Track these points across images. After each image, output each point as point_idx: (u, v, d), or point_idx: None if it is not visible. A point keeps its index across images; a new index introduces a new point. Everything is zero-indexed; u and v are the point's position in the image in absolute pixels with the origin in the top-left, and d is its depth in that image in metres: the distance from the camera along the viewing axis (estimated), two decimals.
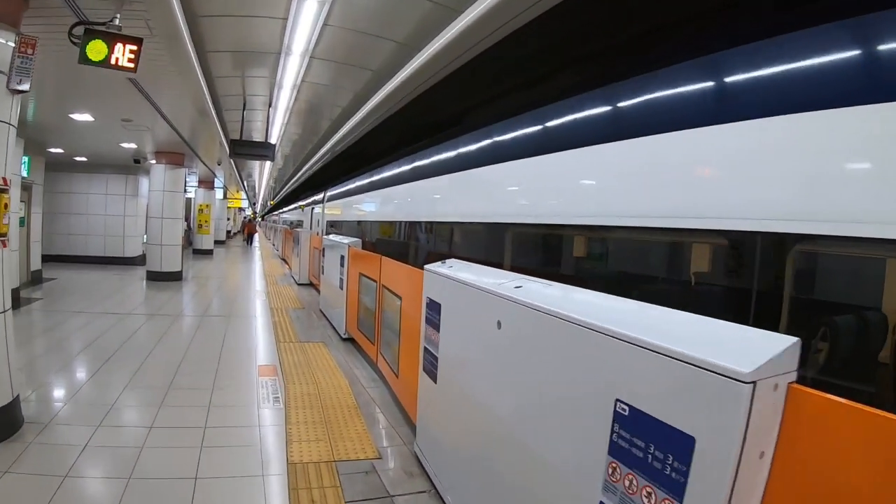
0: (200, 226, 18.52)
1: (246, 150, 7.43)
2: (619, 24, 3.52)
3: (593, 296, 1.86)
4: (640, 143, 2.01)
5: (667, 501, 1.29)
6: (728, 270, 1.80)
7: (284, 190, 27.10)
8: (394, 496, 2.96)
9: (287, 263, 16.98)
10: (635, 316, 1.56)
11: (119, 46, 3.23)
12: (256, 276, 14.00)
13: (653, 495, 1.33)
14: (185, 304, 8.99)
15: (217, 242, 21.95)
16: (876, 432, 1.07)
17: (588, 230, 2.37)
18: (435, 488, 2.98)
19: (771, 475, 1.25)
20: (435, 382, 2.96)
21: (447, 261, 3.22)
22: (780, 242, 1.48)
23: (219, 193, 22.33)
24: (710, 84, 1.86)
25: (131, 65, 3.25)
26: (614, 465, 1.46)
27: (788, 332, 1.41)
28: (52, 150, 10.64)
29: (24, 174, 9.27)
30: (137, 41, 3.26)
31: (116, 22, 3.29)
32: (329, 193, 11.16)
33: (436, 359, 2.94)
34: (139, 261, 13.45)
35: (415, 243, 5.10)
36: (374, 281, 5.29)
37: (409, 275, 4.08)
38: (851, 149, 1.34)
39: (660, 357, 1.31)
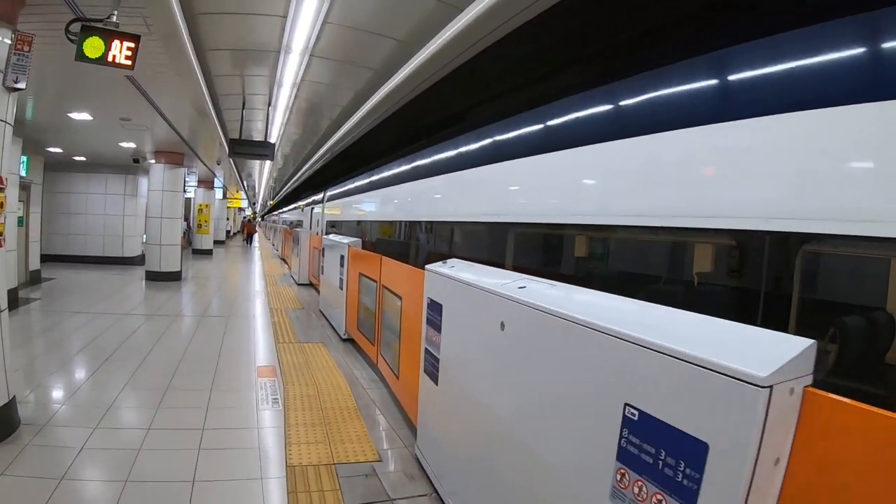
0: (200, 226, 18.48)
1: (245, 149, 7.39)
2: (622, 22, 3.48)
3: (599, 296, 1.82)
4: (646, 140, 1.98)
5: None
6: (737, 270, 1.77)
7: (284, 190, 27.07)
8: (394, 500, 2.91)
9: (287, 263, 16.94)
10: (644, 317, 1.51)
11: (116, 43, 3.18)
12: (256, 276, 13.96)
13: (663, 502, 1.29)
14: (184, 304, 8.95)
15: (217, 242, 21.92)
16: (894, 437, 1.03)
17: (592, 230, 2.33)
18: (436, 492, 2.94)
19: (785, 482, 1.21)
20: (436, 384, 2.92)
21: (448, 261, 3.18)
22: (790, 242, 1.45)
23: (218, 193, 22.30)
24: (722, 80, 1.82)
25: (128, 62, 3.20)
26: (623, 471, 1.41)
27: (797, 333, 1.38)
28: (51, 149, 10.60)
29: (23, 174, 9.22)
30: (135, 38, 3.22)
31: (114, 19, 3.25)
32: (329, 193, 11.13)
33: (437, 360, 2.90)
34: (138, 261, 13.41)
35: (415, 243, 5.06)
36: (374, 281, 5.25)
37: (409, 275, 4.04)
38: (859, 147, 1.32)
39: (672, 360, 1.27)
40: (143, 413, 3.87)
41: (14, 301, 7.67)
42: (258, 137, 8.94)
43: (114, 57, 3.17)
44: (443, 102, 5.88)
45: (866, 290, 1.52)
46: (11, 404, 3.45)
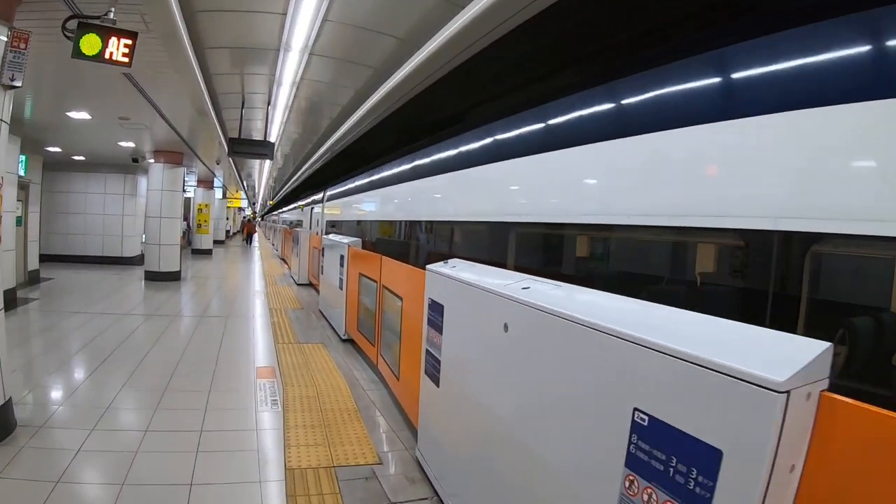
0: (199, 225, 18.45)
1: (245, 148, 7.35)
2: (625, 20, 3.45)
3: (605, 297, 1.77)
4: (651, 138, 1.95)
5: None
6: (745, 270, 1.74)
7: (284, 189, 27.04)
8: (395, 503, 2.88)
9: (286, 263, 16.90)
10: (653, 319, 1.47)
11: (113, 40, 3.14)
12: (255, 276, 13.91)
13: None
14: (183, 304, 8.90)
15: (216, 242, 21.88)
16: None
17: (597, 229, 2.29)
18: (437, 495, 2.90)
19: (800, 489, 1.17)
20: (437, 386, 2.88)
21: (450, 261, 3.14)
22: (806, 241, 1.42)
23: (218, 193, 22.26)
24: (731, 77, 1.79)
25: (126, 59, 3.16)
26: (631, 477, 1.37)
27: (806, 335, 1.36)
28: (50, 148, 10.56)
29: (22, 173, 9.18)
30: (132, 35, 3.18)
31: (111, 16, 3.21)
32: (329, 193, 11.09)
33: (438, 362, 2.86)
34: (137, 261, 13.37)
35: (416, 243, 5.02)
36: (375, 281, 5.21)
37: (410, 275, 4.00)
38: (868, 145, 1.30)
39: (683, 364, 1.23)
40: (140, 414, 3.83)
41: (12, 301, 7.63)
42: (258, 136, 8.90)
43: (111, 54, 3.13)
44: (443, 101, 5.85)
45: (878, 291, 1.50)
46: (7, 406, 3.41)
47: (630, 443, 1.36)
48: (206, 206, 18.33)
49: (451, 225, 4.10)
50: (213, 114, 6.85)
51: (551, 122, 2.87)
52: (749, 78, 1.67)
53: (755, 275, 1.69)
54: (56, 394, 4.18)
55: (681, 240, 1.97)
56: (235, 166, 15.09)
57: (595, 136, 2.27)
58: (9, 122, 3.50)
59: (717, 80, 1.82)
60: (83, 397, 4.11)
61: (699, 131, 1.75)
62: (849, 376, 1.27)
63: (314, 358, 5.70)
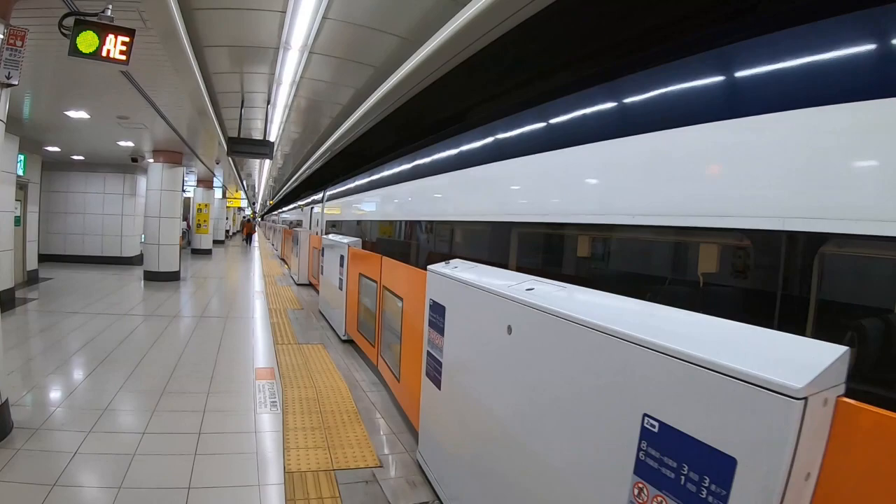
0: (199, 225, 18.40)
1: (244, 148, 7.31)
2: (630, 17, 3.41)
3: (613, 299, 1.73)
4: (658, 137, 1.91)
5: None
6: (754, 271, 1.70)
7: (284, 189, 27.01)
8: None
9: (286, 263, 16.86)
10: (663, 322, 1.43)
11: (111, 38, 3.11)
12: (255, 276, 13.87)
13: None
14: (182, 304, 8.86)
15: (216, 242, 21.84)
16: None
17: (604, 229, 2.25)
18: (439, 499, 2.86)
19: (814, 498, 1.14)
20: (439, 389, 2.84)
21: (451, 261, 3.10)
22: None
23: (218, 193, 22.21)
24: (741, 74, 1.75)
25: (123, 57, 3.13)
26: (641, 485, 1.33)
27: (815, 337, 1.34)
28: (49, 148, 10.53)
29: (20, 173, 9.14)
30: (130, 32, 3.14)
31: (108, 13, 3.17)
32: (328, 193, 11.06)
33: (440, 364, 2.81)
34: (137, 260, 13.33)
35: (416, 243, 4.98)
36: (375, 282, 5.17)
37: (411, 276, 3.96)
38: (876, 144, 1.28)
39: (696, 369, 1.19)
40: (138, 416, 3.79)
41: (11, 301, 7.60)
42: (257, 136, 8.87)
43: (108, 52, 3.09)
44: (444, 100, 5.81)
45: (890, 293, 1.47)
46: (4, 407, 3.37)
47: (639, 449, 1.32)
48: (206, 205, 18.28)
49: (453, 225, 4.07)
50: (212, 113, 6.82)
51: (554, 120, 2.83)
52: (758, 76, 1.65)
53: (764, 276, 1.66)
54: (53, 395, 4.14)
55: (687, 240, 1.94)
56: (235, 166, 15.06)
57: (600, 134, 2.24)
58: (5, 120, 3.46)
59: (727, 77, 1.79)
60: (81, 399, 4.07)
61: (708, 129, 1.72)
62: (859, 380, 1.24)
63: (314, 359, 5.66)
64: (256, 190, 30.68)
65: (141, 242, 13.17)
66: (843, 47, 1.41)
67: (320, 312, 8.55)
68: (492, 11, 3.25)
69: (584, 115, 2.55)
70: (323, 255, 8.61)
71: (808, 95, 1.42)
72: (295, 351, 5.95)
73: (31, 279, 9.84)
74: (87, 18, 3.10)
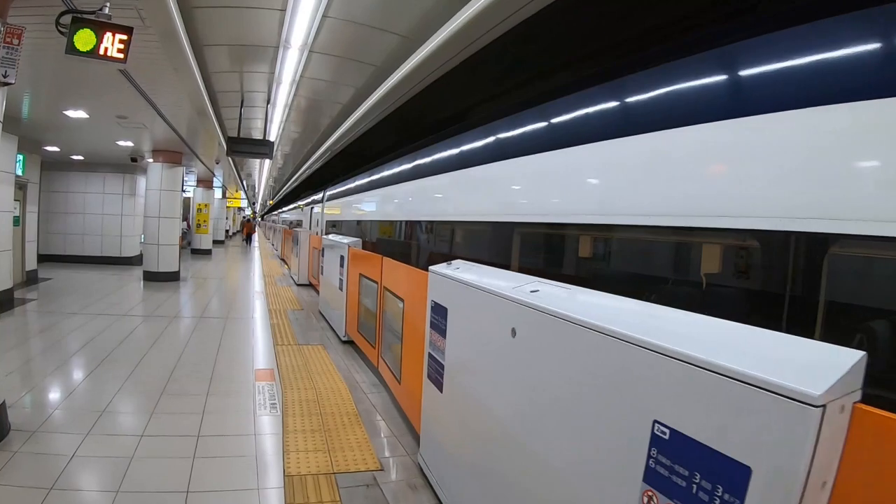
0: (199, 225, 18.37)
1: (244, 148, 7.28)
2: (635, 15, 3.37)
3: (622, 302, 1.69)
4: (662, 136, 1.88)
5: None
6: (764, 273, 1.67)
7: (284, 189, 26.99)
8: None
9: (286, 264, 16.83)
10: (674, 325, 1.39)
11: (108, 36, 3.07)
12: (255, 276, 13.83)
13: None
14: (181, 305, 8.83)
15: (216, 242, 21.80)
16: None
17: (610, 230, 2.21)
18: (440, 502, 2.82)
19: None
20: (440, 391, 2.80)
21: (453, 262, 3.06)
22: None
23: (217, 193, 22.18)
24: (746, 73, 1.72)
25: (121, 55, 3.09)
26: (650, 493, 1.29)
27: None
28: (49, 148, 10.49)
29: (19, 172, 9.10)
30: (127, 30, 3.10)
31: (106, 11, 3.14)
32: (329, 192, 11.03)
33: (442, 366, 2.78)
34: (136, 261, 13.30)
35: (417, 243, 4.94)
36: (375, 282, 5.13)
37: (412, 276, 3.92)
38: (877, 143, 1.27)
39: (709, 374, 1.15)
40: (136, 419, 3.76)
41: (10, 302, 7.57)
42: (257, 135, 8.83)
43: (105, 50, 3.05)
44: (445, 100, 5.78)
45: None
46: (1, 409, 3.34)
47: (649, 457, 1.29)
48: (206, 205, 18.25)
49: (455, 225, 4.03)
50: (211, 113, 6.78)
51: (556, 120, 2.80)
52: (758, 76, 1.65)
53: (772, 277, 1.63)
54: (51, 397, 4.10)
55: (691, 240, 1.91)
56: (235, 166, 15.02)
57: (603, 134, 2.20)
58: (2, 119, 3.42)
59: (727, 76, 1.78)
60: (79, 400, 4.04)
61: (719, 128, 1.69)
62: (873, 384, 1.21)
63: (314, 360, 5.62)
64: (256, 190, 30.66)
65: (140, 242, 13.14)
66: (843, 47, 1.40)
67: (320, 313, 8.51)
68: (492, 10, 3.21)
69: (587, 115, 2.52)
70: (323, 255, 8.58)
71: (809, 95, 1.42)
72: (295, 352, 5.92)
73: (31, 279, 9.81)
74: (85, 16, 3.06)
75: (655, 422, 1.27)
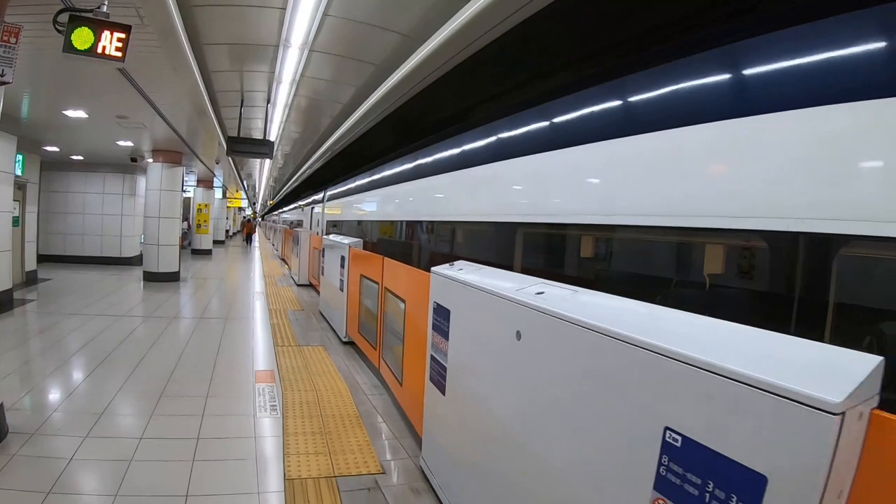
0: (199, 225, 18.34)
1: (244, 147, 7.25)
2: (630, 16, 3.34)
3: (632, 305, 1.65)
4: (666, 135, 1.85)
5: None
6: (775, 274, 1.64)
7: (284, 189, 26.97)
8: None
9: (286, 264, 16.80)
10: (687, 329, 1.36)
11: (106, 34, 3.03)
12: (255, 276, 13.80)
13: None
14: (181, 305, 8.79)
15: (216, 242, 21.77)
16: None
17: (618, 230, 2.18)
18: None
19: None
20: (443, 394, 2.76)
21: (455, 263, 3.03)
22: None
23: (218, 193, 22.15)
24: (746, 72, 1.71)
25: (119, 54, 3.05)
26: (661, 501, 1.26)
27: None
28: (48, 148, 10.46)
29: (19, 173, 9.07)
30: (126, 28, 3.06)
31: (104, 9, 3.10)
32: (329, 193, 11.00)
33: (444, 369, 2.74)
34: (136, 261, 13.27)
35: (419, 244, 4.91)
36: (376, 283, 5.09)
37: (413, 277, 3.88)
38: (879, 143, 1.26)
39: (724, 381, 1.11)
40: (136, 421, 3.72)
41: (9, 302, 7.54)
42: (257, 135, 8.80)
43: (104, 48, 3.02)
44: (446, 99, 5.74)
45: None
46: None
47: (660, 464, 1.25)
48: (206, 205, 18.23)
49: (458, 226, 4.00)
50: (211, 112, 6.75)
51: (559, 119, 2.76)
52: (759, 75, 1.64)
53: (784, 279, 1.60)
54: (50, 399, 4.07)
55: (694, 241, 1.89)
56: (235, 166, 15.00)
57: (607, 133, 2.17)
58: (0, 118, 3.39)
59: (728, 76, 1.78)
60: (78, 402, 4.00)
61: (712, 128, 1.67)
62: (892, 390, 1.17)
63: (314, 361, 5.59)
64: (257, 190, 30.64)
65: (140, 243, 13.11)
66: (843, 46, 1.40)
67: (321, 313, 8.48)
68: (492, 10, 3.19)
69: (588, 114, 2.50)
70: (323, 255, 8.54)
71: (809, 95, 1.42)
72: (295, 353, 5.88)
73: (30, 280, 9.78)
74: (83, 14, 3.03)
75: (667, 428, 1.23)
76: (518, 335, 1.92)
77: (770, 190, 1.50)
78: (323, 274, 8.64)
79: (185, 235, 18.14)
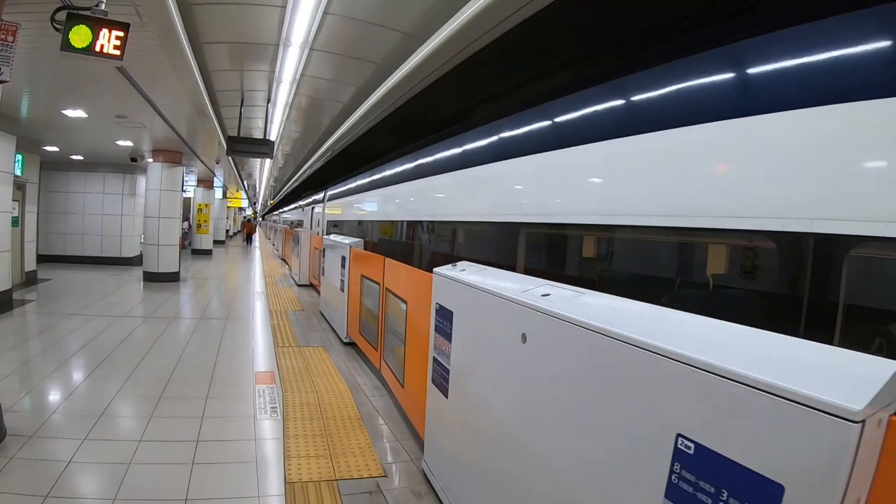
0: (199, 225, 18.31)
1: (244, 147, 7.22)
2: (635, 13, 3.31)
3: (642, 307, 1.62)
4: (665, 135, 1.83)
5: None
6: (785, 276, 1.62)
7: (285, 189, 26.95)
8: None
9: (287, 264, 16.77)
10: (699, 332, 1.32)
11: (104, 32, 3.00)
12: (256, 276, 13.77)
13: None
14: (181, 306, 8.76)
15: (216, 242, 21.73)
16: None
17: (625, 230, 2.15)
18: None
19: None
20: (446, 397, 2.73)
21: (458, 263, 2.99)
22: None
23: (218, 193, 22.12)
24: (746, 72, 1.69)
25: (117, 52, 3.02)
26: None
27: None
28: (48, 148, 10.44)
29: (18, 173, 9.04)
30: (124, 26, 3.03)
31: (102, 6, 3.07)
32: (330, 192, 10.99)
33: (447, 371, 2.70)
34: (136, 261, 13.24)
35: (419, 244, 4.88)
36: (377, 284, 5.06)
37: (415, 278, 3.85)
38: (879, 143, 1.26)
39: (739, 387, 1.08)
40: (135, 423, 3.69)
41: (8, 303, 7.51)
42: (258, 135, 8.78)
43: (101, 47, 2.98)
44: (446, 99, 5.71)
45: None
46: None
47: (672, 472, 1.22)
48: (206, 205, 18.20)
49: (458, 225, 3.97)
50: (211, 112, 6.72)
51: (561, 119, 2.74)
52: (759, 75, 1.64)
53: (793, 281, 1.57)
54: (48, 400, 4.04)
55: (695, 241, 1.87)
56: (235, 166, 14.97)
57: (613, 132, 2.14)
58: None
59: (728, 75, 1.77)
60: (76, 404, 3.97)
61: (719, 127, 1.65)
62: None
63: (315, 362, 5.56)
64: (257, 190, 30.62)
65: (140, 243, 13.08)
66: (843, 46, 1.40)
67: (321, 314, 8.45)
68: (493, 9, 3.17)
69: (591, 114, 2.47)
70: (324, 255, 8.51)
71: (808, 95, 1.42)
72: (296, 354, 5.85)
73: (30, 280, 9.75)
74: (80, 12, 2.99)
75: (679, 435, 1.20)
76: (524, 338, 1.89)
77: (770, 190, 1.49)
78: (323, 274, 8.60)
79: (186, 235, 18.12)
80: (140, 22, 3.59)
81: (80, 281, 10.35)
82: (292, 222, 19.99)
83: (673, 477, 1.21)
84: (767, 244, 1.62)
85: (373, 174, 7.15)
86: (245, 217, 42.02)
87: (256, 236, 33.40)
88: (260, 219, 50.38)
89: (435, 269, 2.99)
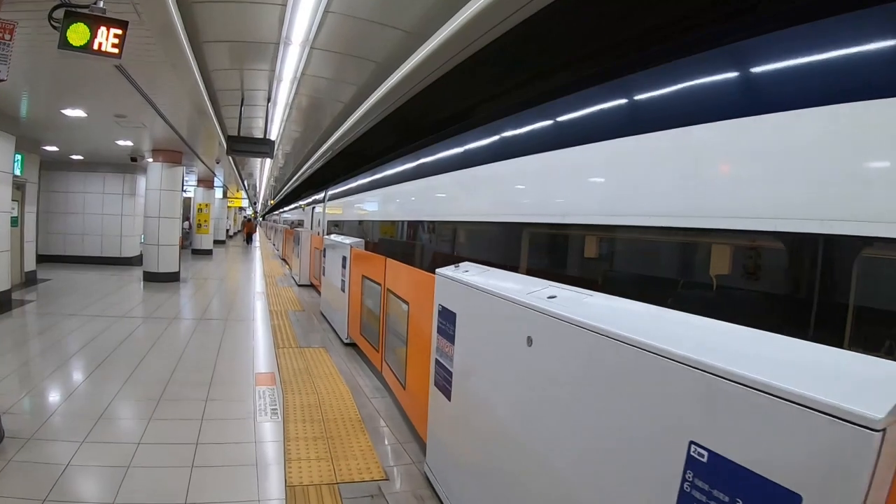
0: (199, 225, 18.29)
1: (244, 147, 7.19)
2: (635, 13, 3.29)
3: (652, 310, 1.58)
4: (665, 135, 1.81)
5: None
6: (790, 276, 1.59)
7: (285, 189, 26.93)
8: None
9: (287, 264, 16.74)
10: (712, 336, 1.29)
11: (102, 30, 2.96)
12: (256, 276, 13.75)
13: None
14: (181, 306, 8.74)
15: (216, 242, 21.71)
16: None
17: (633, 231, 2.12)
18: None
19: None
20: (448, 399, 2.69)
21: (462, 264, 2.96)
22: None
23: (218, 192, 22.10)
24: (747, 72, 1.68)
25: (115, 50, 2.99)
26: None
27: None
28: (47, 147, 10.40)
29: (18, 172, 9.01)
30: (122, 24, 3.00)
31: (101, 4, 3.03)
32: (330, 192, 10.96)
33: (450, 374, 2.67)
34: (136, 261, 13.21)
35: (420, 244, 4.85)
36: (379, 284, 5.03)
37: (417, 279, 3.81)
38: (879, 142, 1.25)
39: (754, 393, 1.05)
40: (134, 425, 3.66)
41: (8, 303, 7.49)
42: (258, 134, 8.74)
43: (100, 45, 2.95)
44: (446, 99, 5.68)
45: None
46: None
47: (684, 480, 1.18)
48: (207, 205, 18.18)
49: (462, 226, 3.94)
50: (211, 111, 6.69)
51: (563, 118, 2.71)
52: (760, 74, 1.64)
53: (802, 283, 1.54)
54: (47, 402, 4.01)
55: (695, 241, 1.85)
56: (236, 165, 14.94)
57: (630, 129, 2.11)
58: None
59: (739, 74, 1.75)
60: (75, 406, 3.94)
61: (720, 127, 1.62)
62: None
63: (315, 363, 5.53)
64: (257, 189, 30.59)
65: (140, 243, 13.05)
66: (843, 46, 1.39)
67: (322, 314, 8.42)
68: (493, 9, 3.14)
69: (591, 114, 2.45)
70: (325, 255, 8.48)
71: (808, 95, 1.42)
72: (296, 354, 5.82)
73: (30, 280, 9.73)
74: (79, 10, 2.96)
75: (692, 443, 1.17)
76: (529, 341, 1.85)
77: (770, 189, 1.48)
78: (324, 274, 8.57)
79: (186, 235, 18.09)
80: (139, 20, 3.55)
81: (79, 281, 10.33)
82: (293, 222, 19.96)
83: (685, 485, 1.18)
84: (761, 244, 1.62)
85: (374, 174, 7.12)
86: (245, 217, 41.99)
87: (257, 236, 33.39)
88: (260, 219, 50.36)
89: (437, 270, 2.96)
